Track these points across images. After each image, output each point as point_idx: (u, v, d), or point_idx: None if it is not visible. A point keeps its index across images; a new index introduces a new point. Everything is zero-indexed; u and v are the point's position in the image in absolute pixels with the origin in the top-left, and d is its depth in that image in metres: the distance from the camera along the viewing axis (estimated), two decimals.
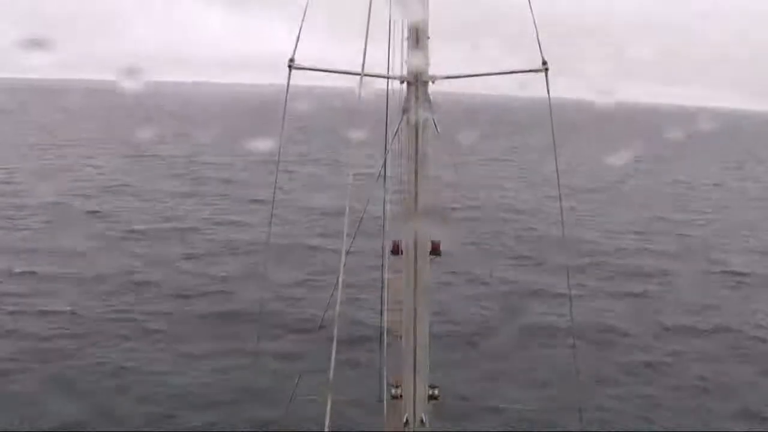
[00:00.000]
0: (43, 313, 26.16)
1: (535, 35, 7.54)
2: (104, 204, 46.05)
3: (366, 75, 6.99)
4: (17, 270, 30.98)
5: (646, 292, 31.94)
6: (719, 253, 39.42)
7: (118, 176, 57.29)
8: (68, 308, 26.65)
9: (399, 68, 7.45)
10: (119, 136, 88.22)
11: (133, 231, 38.47)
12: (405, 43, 7.28)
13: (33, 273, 30.73)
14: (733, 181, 74.54)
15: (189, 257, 34.28)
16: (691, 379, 23.02)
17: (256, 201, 46.90)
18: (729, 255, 39.14)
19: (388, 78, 7.63)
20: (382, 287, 8.86)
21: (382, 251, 8.80)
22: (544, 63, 7.44)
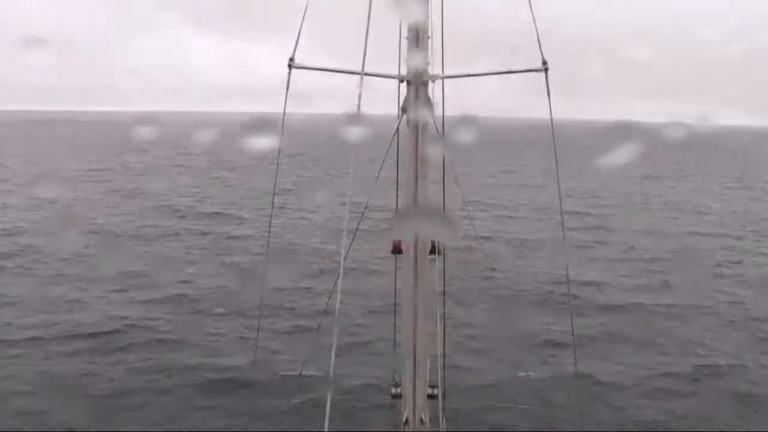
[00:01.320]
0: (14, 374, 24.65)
1: (535, 36, 7.59)
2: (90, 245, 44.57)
3: (366, 74, 6.97)
4: None
5: (651, 330, 30.54)
6: (724, 284, 38.18)
7: (105, 215, 55.58)
8: (42, 367, 25.32)
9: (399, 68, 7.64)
10: (108, 169, 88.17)
11: (120, 274, 37.17)
12: (405, 43, 7.37)
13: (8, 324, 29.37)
14: (737, 201, 73.45)
15: (177, 303, 32.98)
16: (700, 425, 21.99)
17: (246, 237, 46.39)
18: (735, 286, 37.90)
19: (400, 79, 7.55)
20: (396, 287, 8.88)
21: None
22: (544, 63, 7.49)
